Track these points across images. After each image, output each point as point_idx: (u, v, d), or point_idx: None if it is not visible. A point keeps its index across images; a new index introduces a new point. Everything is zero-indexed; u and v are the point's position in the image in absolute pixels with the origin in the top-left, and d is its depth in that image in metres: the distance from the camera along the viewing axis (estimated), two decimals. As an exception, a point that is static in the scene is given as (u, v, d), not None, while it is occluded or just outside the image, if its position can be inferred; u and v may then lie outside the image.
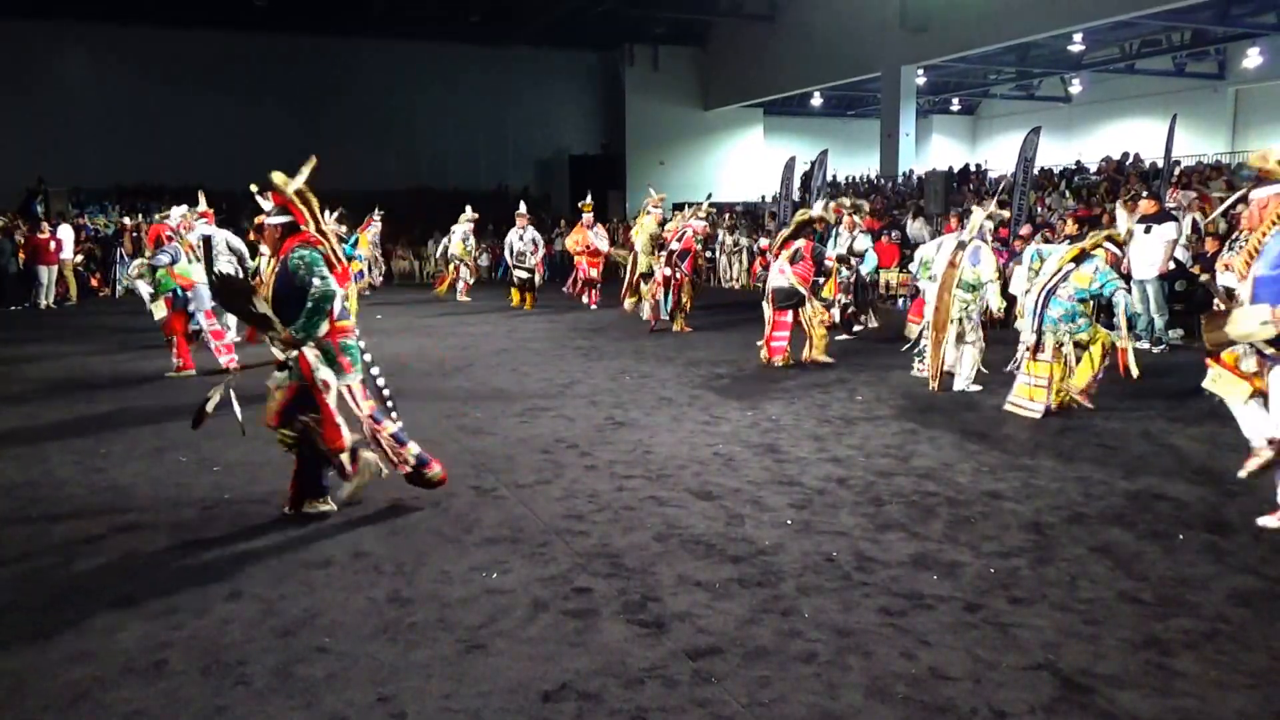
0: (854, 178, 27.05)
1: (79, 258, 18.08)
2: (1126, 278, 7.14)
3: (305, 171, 4.79)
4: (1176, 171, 17.18)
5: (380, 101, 28.02)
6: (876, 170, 25.45)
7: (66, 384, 8.64)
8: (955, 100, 34.17)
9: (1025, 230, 12.95)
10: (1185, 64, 26.43)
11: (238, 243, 10.47)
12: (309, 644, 3.34)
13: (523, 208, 15.88)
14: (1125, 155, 20.72)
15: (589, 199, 15.33)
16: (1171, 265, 10.04)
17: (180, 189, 24.86)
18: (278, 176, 4.75)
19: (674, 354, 10.04)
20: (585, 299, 15.36)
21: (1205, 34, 23.35)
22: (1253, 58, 24.34)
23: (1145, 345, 9.97)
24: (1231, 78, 26.39)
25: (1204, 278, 9.98)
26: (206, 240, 10.04)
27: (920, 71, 24.81)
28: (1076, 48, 24.19)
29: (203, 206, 10.50)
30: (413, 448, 4.86)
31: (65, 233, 17.15)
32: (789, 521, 4.60)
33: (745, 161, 31.18)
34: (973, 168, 26.21)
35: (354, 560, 4.15)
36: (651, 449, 6.04)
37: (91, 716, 2.91)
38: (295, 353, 4.58)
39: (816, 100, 31.24)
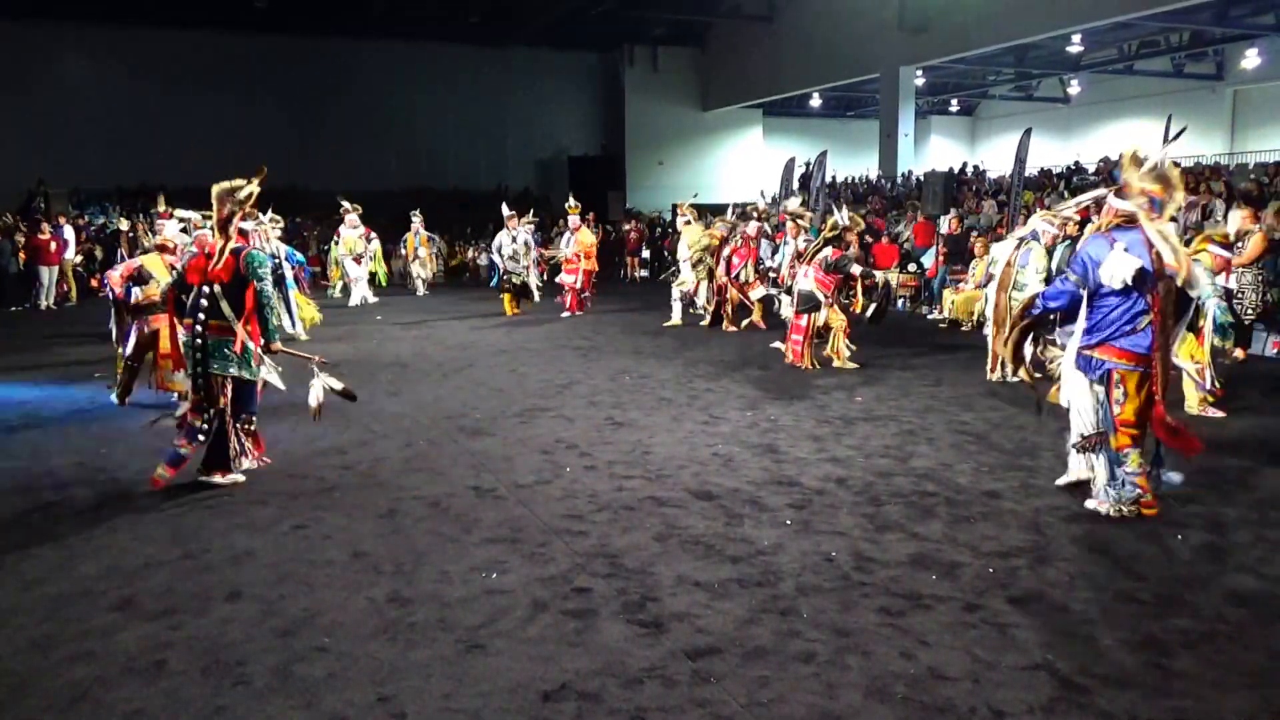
0: (853, 178, 27.08)
1: (79, 258, 18.09)
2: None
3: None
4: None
5: (380, 102, 28.03)
6: (876, 171, 25.47)
7: (66, 384, 8.64)
8: (954, 101, 34.21)
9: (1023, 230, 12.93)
10: (1183, 65, 26.47)
11: None
12: (309, 644, 3.35)
13: (519, 208, 15.13)
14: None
15: (571, 200, 14.28)
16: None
17: (180, 190, 24.96)
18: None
19: (673, 354, 10.05)
20: (566, 306, 14.01)
21: (1203, 35, 23.38)
22: (1251, 58, 24.37)
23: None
24: (1230, 78, 26.42)
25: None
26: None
27: (919, 72, 24.83)
28: (1075, 49, 24.21)
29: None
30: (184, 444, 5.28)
31: (68, 234, 17.16)
32: (788, 522, 4.60)
33: (744, 162, 31.22)
34: (970, 168, 26.23)
35: (354, 560, 4.15)
36: (651, 449, 6.04)
37: (92, 716, 2.92)
38: None
39: (815, 101, 31.27)
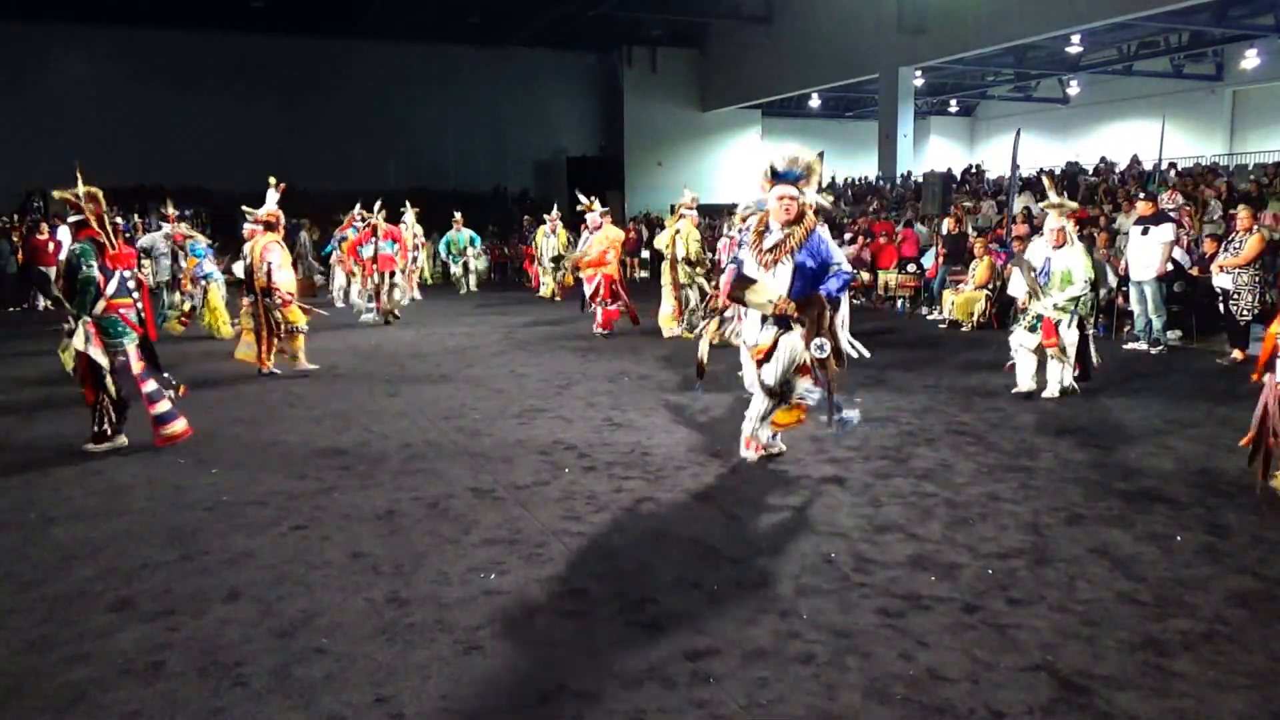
0: (852, 179, 27.09)
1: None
2: None
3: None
4: (1174, 174, 17.20)
5: (379, 102, 28.05)
6: (875, 172, 25.48)
7: (64, 384, 8.61)
8: (953, 102, 34.24)
9: (1021, 230, 12.93)
10: (1183, 66, 26.49)
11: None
12: (307, 645, 3.34)
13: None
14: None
15: (590, 199, 12.18)
16: (1169, 266, 10.06)
17: (179, 190, 25.00)
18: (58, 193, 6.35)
19: (671, 355, 10.04)
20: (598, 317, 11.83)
21: (1203, 35, 23.41)
22: (1250, 59, 24.40)
23: (1144, 346, 9.99)
24: (1229, 79, 26.45)
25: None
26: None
27: (918, 73, 24.84)
28: (1074, 49, 24.23)
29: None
30: (160, 406, 6.05)
31: (64, 234, 17.13)
32: (787, 523, 4.60)
33: (743, 163, 31.22)
34: (973, 169, 26.23)
35: (352, 561, 4.15)
36: (649, 450, 6.04)
37: (89, 718, 2.91)
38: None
39: (815, 102, 31.28)
